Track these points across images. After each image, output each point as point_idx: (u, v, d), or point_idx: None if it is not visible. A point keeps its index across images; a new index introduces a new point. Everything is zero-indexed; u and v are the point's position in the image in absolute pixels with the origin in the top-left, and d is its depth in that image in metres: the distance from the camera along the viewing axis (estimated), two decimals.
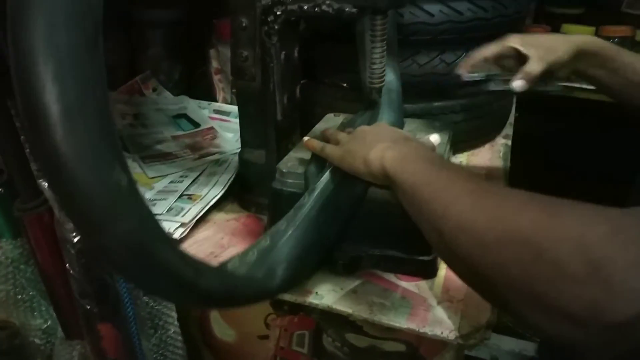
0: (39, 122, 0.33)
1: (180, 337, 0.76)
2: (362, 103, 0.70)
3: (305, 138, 0.63)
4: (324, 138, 0.63)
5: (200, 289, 0.42)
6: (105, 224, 0.35)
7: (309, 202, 0.55)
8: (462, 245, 0.39)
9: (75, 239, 0.62)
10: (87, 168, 0.33)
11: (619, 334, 0.30)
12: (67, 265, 0.65)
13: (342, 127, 0.67)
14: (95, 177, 0.34)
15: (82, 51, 0.34)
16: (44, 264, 0.74)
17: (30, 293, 0.82)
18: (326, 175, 0.57)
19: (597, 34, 1.42)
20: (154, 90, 1.11)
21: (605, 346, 0.31)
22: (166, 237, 0.39)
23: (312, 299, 0.57)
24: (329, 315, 0.57)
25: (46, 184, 0.64)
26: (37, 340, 0.84)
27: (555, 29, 1.49)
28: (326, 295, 0.57)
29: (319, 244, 0.57)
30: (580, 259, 0.30)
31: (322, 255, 0.58)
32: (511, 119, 1.04)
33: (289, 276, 0.53)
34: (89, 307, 0.66)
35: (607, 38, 1.41)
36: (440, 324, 0.53)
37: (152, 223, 0.38)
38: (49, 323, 0.83)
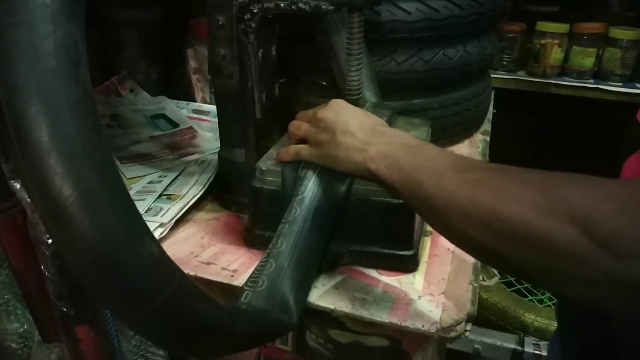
0: (59, 214, 0.32)
1: None
2: None
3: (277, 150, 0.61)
4: (292, 135, 0.61)
5: (237, 335, 0.44)
6: (148, 296, 0.35)
7: (301, 214, 0.55)
8: (464, 229, 0.39)
9: (50, 240, 0.61)
10: (119, 250, 0.33)
11: (635, 293, 0.32)
12: (42, 267, 0.63)
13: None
14: (129, 256, 0.34)
15: (88, 134, 0.33)
16: (18, 267, 0.73)
17: (6, 297, 0.81)
18: (312, 182, 0.57)
19: (571, 30, 1.45)
20: (131, 90, 1.10)
21: (625, 304, 0.33)
22: (201, 292, 0.40)
23: None
24: (311, 312, 0.57)
25: (50, 237, 0.61)
26: (13, 345, 0.82)
27: (531, 27, 1.51)
28: None
29: (318, 253, 0.57)
30: (590, 239, 0.32)
31: (320, 260, 0.58)
32: (490, 115, 1.05)
33: (302, 297, 0.54)
34: (65, 310, 0.64)
35: (582, 35, 1.45)
36: (421, 317, 0.54)
37: (186, 282, 0.38)
38: (25, 327, 0.82)
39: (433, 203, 0.42)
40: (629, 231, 0.31)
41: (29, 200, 0.61)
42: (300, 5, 0.61)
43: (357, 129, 0.52)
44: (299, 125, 0.60)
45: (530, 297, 1.40)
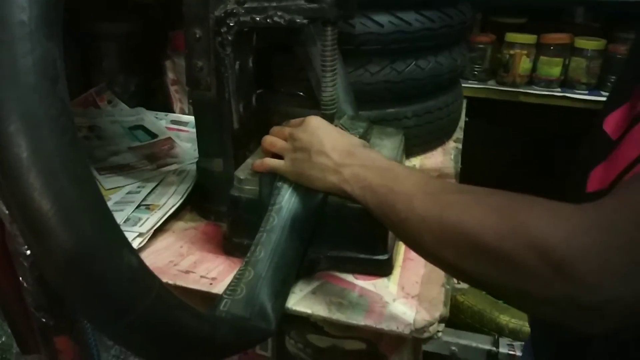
0: (39, 229, 0.33)
1: None
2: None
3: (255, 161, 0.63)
4: (266, 151, 0.63)
5: (217, 343, 0.44)
6: (127, 307, 0.35)
7: (279, 223, 0.57)
8: (436, 250, 0.42)
9: (28, 252, 0.61)
10: (98, 262, 0.34)
11: (596, 315, 0.34)
12: (21, 278, 0.63)
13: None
14: (108, 268, 0.34)
15: (66, 150, 0.34)
16: None
17: None
18: (289, 191, 0.59)
19: (538, 41, 1.51)
20: (109, 102, 1.10)
21: (588, 325, 0.35)
22: (180, 301, 0.40)
23: None
24: (290, 317, 0.58)
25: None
26: None
27: (500, 38, 1.56)
28: None
29: (295, 260, 0.59)
30: (546, 264, 0.34)
31: (298, 267, 0.60)
32: (461, 123, 1.09)
33: (281, 304, 0.55)
34: (44, 320, 0.64)
35: (548, 45, 1.50)
36: (395, 319, 0.56)
37: (165, 292, 0.39)
38: (3, 339, 0.80)
39: (406, 226, 0.44)
40: (581, 257, 0.33)
41: (6, 212, 0.61)
42: (275, 18, 0.63)
43: (332, 149, 0.54)
44: (274, 142, 0.61)
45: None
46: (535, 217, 0.35)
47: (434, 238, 0.41)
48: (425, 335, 0.55)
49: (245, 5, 0.63)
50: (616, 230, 0.33)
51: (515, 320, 1.31)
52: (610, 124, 0.51)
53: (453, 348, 1.19)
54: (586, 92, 1.51)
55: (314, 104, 0.77)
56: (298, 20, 0.62)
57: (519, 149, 1.82)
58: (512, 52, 1.52)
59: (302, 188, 0.58)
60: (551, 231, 0.34)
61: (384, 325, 0.55)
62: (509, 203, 0.38)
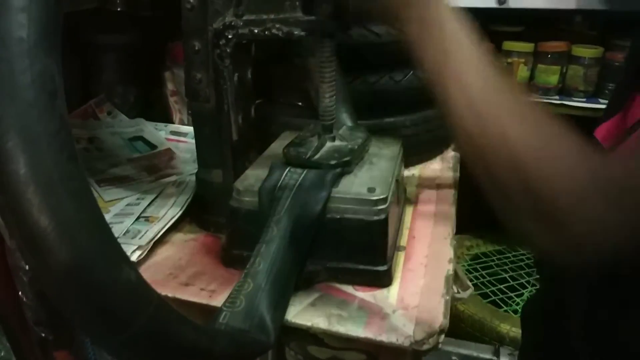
0: (37, 245, 0.32)
1: None
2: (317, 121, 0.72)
3: None
4: None
5: (216, 356, 0.44)
6: (126, 322, 0.35)
7: (278, 234, 0.57)
8: (468, 156, 0.46)
9: (28, 267, 0.61)
10: (97, 277, 0.34)
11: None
12: (20, 293, 0.63)
13: (294, 145, 0.68)
14: (107, 284, 0.34)
15: (65, 165, 0.34)
16: None
17: None
18: (288, 202, 0.59)
19: (536, 49, 1.52)
20: (109, 113, 1.10)
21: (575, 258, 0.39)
22: (178, 315, 0.40)
23: None
24: (290, 329, 0.58)
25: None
26: None
27: (498, 46, 1.57)
28: None
29: (294, 271, 0.59)
30: (567, 201, 0.38)
31: (297, 278, 0.60)
32: None
33: (280, 316, 0.55)
34: (44, 335, 0.64)
35: (546, 53, 1.51)
36: (395, 331, 0.55)
37: (165, 306, 0.39)
38: (2, 353, 0.80)
39: (450, 122, 0.46)
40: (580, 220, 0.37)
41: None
42: (274, 31, 0.63)
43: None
44: None
45: (505, 308, 1.44)
46: (564, 154, 0.39)
47: (469, 152, 0.45)
48: (425, 347, 0.55)
49: (244, 18, 0.64)
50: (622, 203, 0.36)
51: (515, 329, 1.31)
52: (602, 131, 0.51)
53: (454, 358, 1.19)
54: (584, 99, 1.51)
55: (312, 114, 0.77)
56: (296, 33, 0.63)
57: None
58: (509, 60, 1.52)
59: (302, 198, 0.58)
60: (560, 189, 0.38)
61: (384, 337, 0.55)
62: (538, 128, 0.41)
